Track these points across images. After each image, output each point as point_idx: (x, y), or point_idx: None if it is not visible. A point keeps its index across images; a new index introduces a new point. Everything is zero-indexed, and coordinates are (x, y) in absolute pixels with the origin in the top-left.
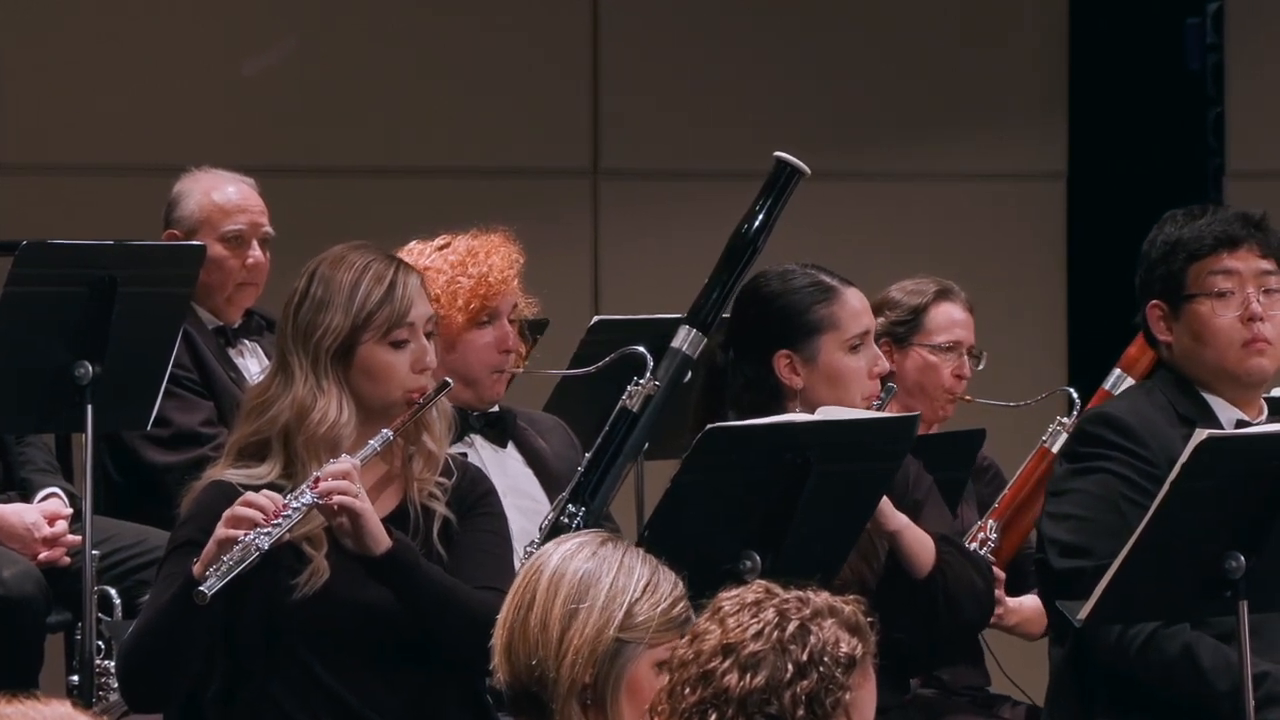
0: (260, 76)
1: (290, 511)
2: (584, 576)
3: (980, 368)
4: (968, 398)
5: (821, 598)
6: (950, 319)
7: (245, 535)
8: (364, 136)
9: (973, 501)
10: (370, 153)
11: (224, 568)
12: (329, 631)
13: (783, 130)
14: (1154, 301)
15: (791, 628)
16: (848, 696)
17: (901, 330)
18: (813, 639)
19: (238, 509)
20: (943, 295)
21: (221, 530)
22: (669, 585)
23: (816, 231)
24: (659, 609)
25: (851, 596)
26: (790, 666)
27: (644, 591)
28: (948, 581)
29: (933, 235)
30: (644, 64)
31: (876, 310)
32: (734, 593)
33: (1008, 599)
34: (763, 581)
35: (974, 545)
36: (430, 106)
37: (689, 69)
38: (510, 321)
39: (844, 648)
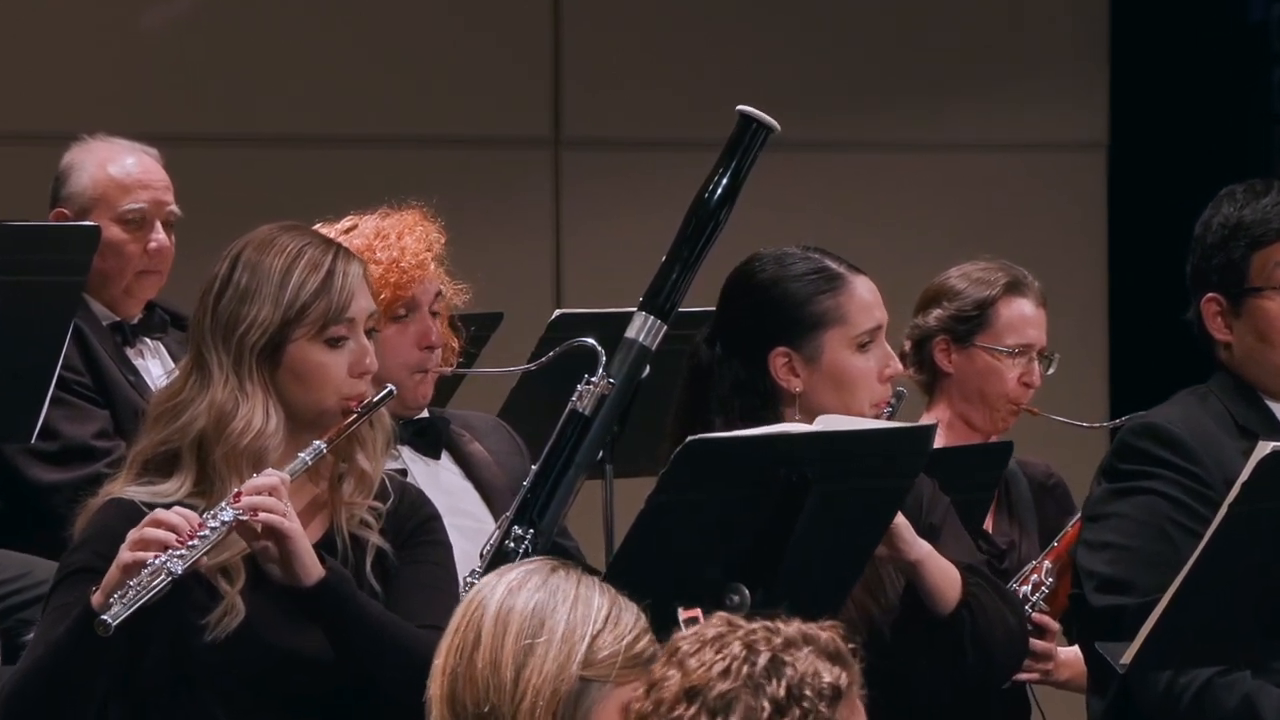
0: (163, 30)
1: (207, 531)
2: (536, 608)
3: (1050, 372)
4: (1033, 410)
5: (793, 626)
6: (1022, 317)
7: (155, 559)
8: (286, 100)
9: (1033, 528)
10: (294, 119)
11: (130, 594)
12: (245, 679)
13: (777, 95)
14: (1210, 295)
15: (763, 661)
16: None
17: (964, 327)
18: (789, 671)
19: (146, 529)
20: (1014, 288)
21: (126, 554)
22: (631, 617)
23: (817, 209)
24: (624, 642)
25: (829, 622)
26: (767, 705)
27: (606, 623)
28: (976, 619)
29: (953, 214)
30: (611, 20)
31: (933, 300)
32: (690, 631)
33: (1059, 650)
34: (722, 613)
35: (1025, 589)
36: (365, 65)
37: (665, 26)
38: (434, 313)
39: (826, 678)
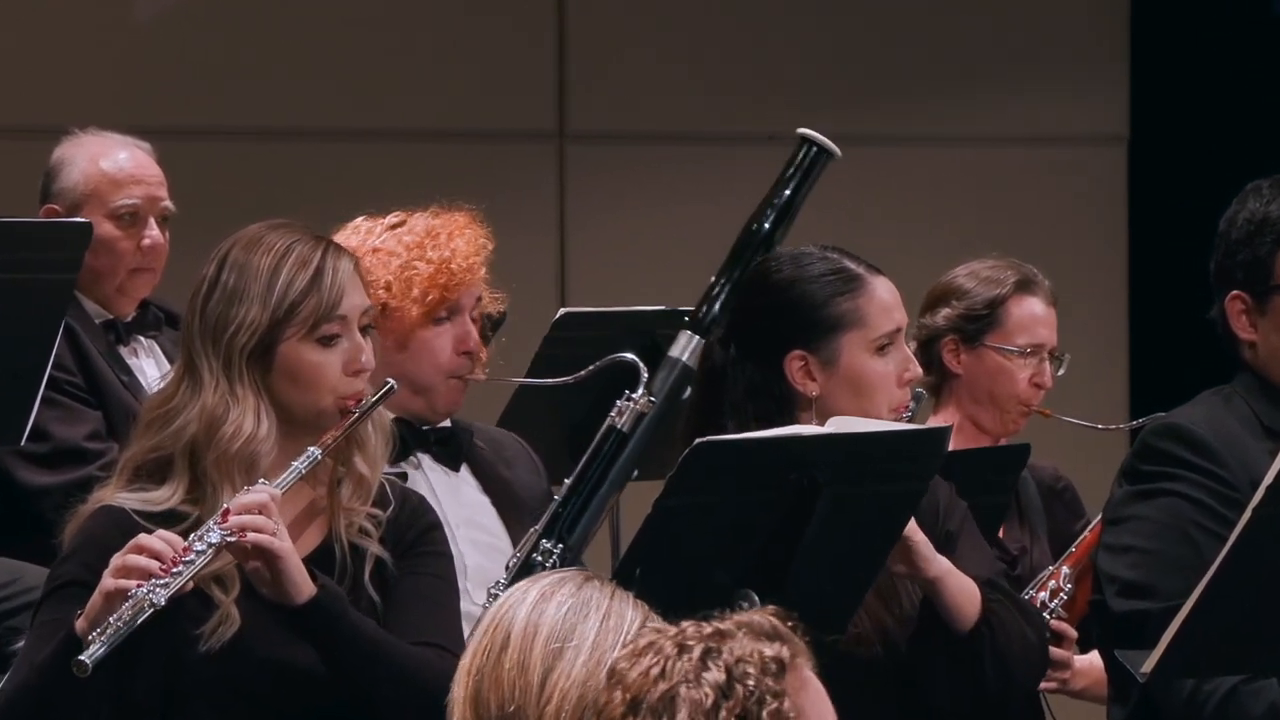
0: (157, 20)
1: (193, 556)
2: (569, 612)
3: (1061, 373)
4: (1045, 411)
5: (726, 619)
6: (1032, 316)
7: (137, 589)
8: (284, 93)
9: (1043, 533)
10: (292, 112)
11: (110, 630)
12: (239, 693)
13: (787, 87)
14: (1235, 293)
15: (696, 653)
16: (786, 704)
17: (973, 327)
18: (725, 655)
19: (129, 556)
20: (1024, 287)
21: (109, 581)
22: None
23: (832, 204)
24: None
25: (769, 607)
26: (708, 692)
27: (638, 635)
28: (995, 636)
29: (968, 209)
30: (616, 11)
31: (941, 299)
32: (626, 649)
33: (1076, 659)
34: (651, 624)
35: (1043, 595)
36: (365, 57)
37: (671, 17)
38: (472, 318)
39: (767, 652)
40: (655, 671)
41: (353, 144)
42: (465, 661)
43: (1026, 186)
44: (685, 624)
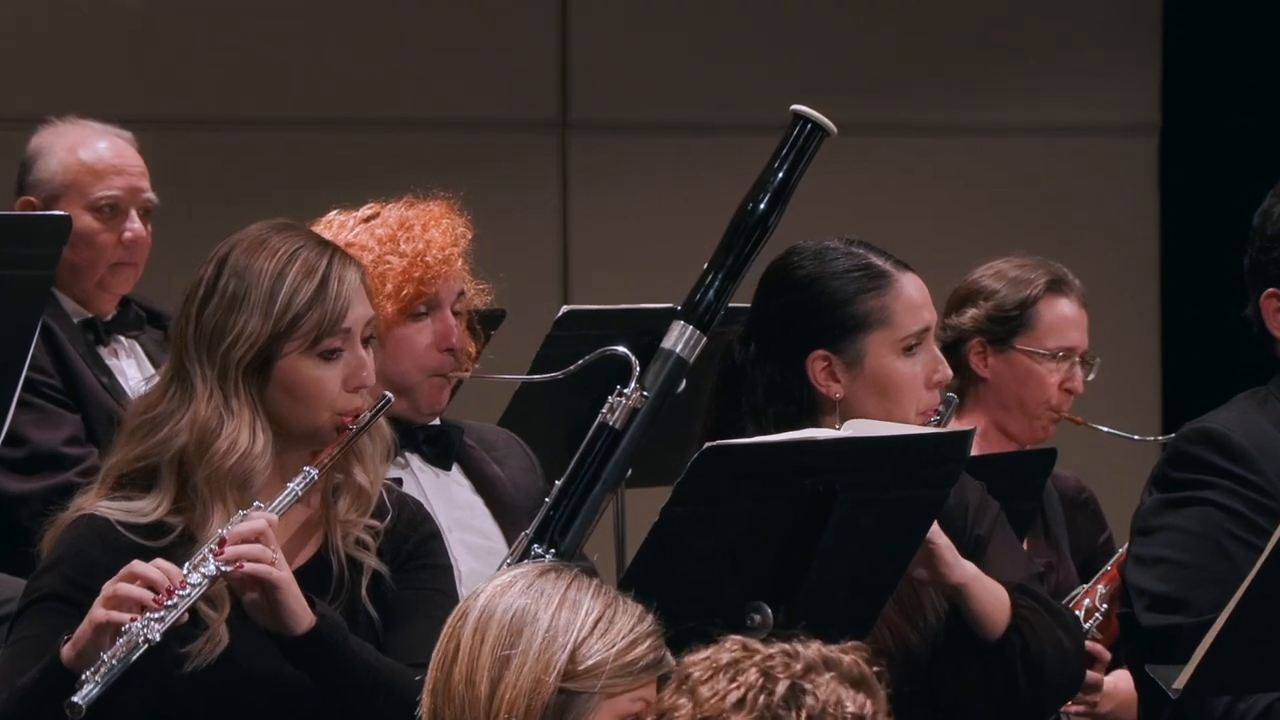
0: (138, 6)
1: (188, 588)
2: (516, 616)
3: (1091, 378)
4: (1077, 419)
5: (812, 649)
6: (1064, 318)
7: (131, 624)
8: (275, 80)
9: (1064, 545)
10: (284, 101)
11: (104, 669)
12: (229, 711)
13: (798, 74)
14: (1270, 290)
15: (781, 689)
16: None
17: (1002, 329)
18: (810, 700)
19: (121, 586)
20: (1055, 287)
21: (101, 612)
22: (629, 620)
23: (849, 199)
24: (614, 649)
25: (851, 644)
26: None
27: (593, 629)
28: (1027, 643)
29: (993, 201)
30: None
31: (968, 299)
32: (703, 655)
33: (1106, 680)
34: (737, 637)
35: (1077, 614)
36: (363, 45)
37: (674, 5)
38: (455, 313)
39: (850, 706)
40: (734, 697)
41: (352, 134)
42: (428, 676)
43: (1055, 177)
44: (773, 649)
